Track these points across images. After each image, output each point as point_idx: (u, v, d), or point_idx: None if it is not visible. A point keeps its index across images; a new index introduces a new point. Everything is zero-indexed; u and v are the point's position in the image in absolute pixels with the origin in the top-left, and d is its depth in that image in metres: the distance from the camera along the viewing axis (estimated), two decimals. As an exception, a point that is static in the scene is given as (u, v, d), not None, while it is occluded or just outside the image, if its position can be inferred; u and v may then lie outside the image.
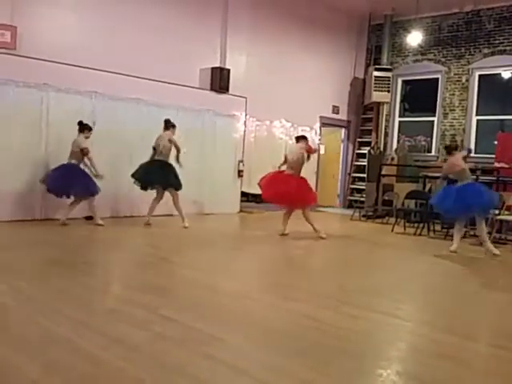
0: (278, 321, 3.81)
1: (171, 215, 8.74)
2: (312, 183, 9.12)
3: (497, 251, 6.96)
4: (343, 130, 13.46)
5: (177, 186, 8.10)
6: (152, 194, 8.20)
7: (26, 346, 3.00)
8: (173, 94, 9.32)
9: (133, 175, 8.01)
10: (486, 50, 11.62)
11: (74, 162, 7.61)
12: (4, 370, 2.67)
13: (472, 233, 8.35)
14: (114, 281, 4.99)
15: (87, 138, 7.71)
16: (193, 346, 3.12)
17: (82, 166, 7.71)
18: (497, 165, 10.28)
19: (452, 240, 7.46)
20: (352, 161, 13.51)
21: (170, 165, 8.10)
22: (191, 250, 6.77)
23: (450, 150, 7.42)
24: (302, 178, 7.83)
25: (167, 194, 8.17)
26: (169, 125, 8.16)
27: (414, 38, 11.85)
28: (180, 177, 8.12)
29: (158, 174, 7.98)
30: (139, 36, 8.98)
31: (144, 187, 8.06)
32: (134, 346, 3.06)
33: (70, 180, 7.50)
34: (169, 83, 9.19)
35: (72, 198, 7.72)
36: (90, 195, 7.71)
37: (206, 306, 4.05)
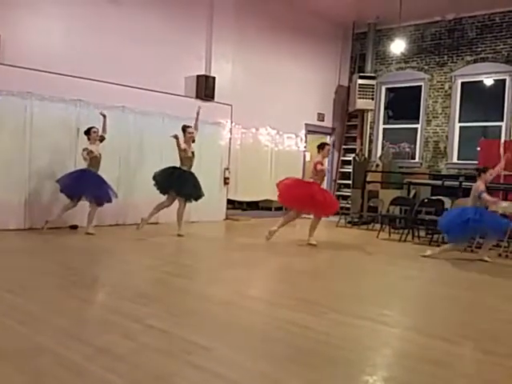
0: (265, 328, 3.81)
1: (157, 223, 8.71)
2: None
3: (487, 258, 7.10)
4: (328, 137, 13.53)
5: (189, 196, 8.08)
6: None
7: (11, 357, 2.97)
8: (158, 101, 9.31)
9: (154, 177, 7.97)
10: (468, 58, 11.79)
11: (91, 168, 7.69)
12: (-12, 382, 2.64)
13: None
14: (103, 290, 4.95)
15: (92, 142, 7.72)
16: (180, 356, 3.10)
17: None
18: (480, 171, 10.39)
19: (437, 246, 7.57)
20: (337, 168, 13.58)
21: (189, 173, 8.07)
22: (180, 258, 6.75)
23: (479, 172, 7.20)
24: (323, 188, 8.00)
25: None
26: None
27: (398, 46, 11.98)
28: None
29: (175, 181, 7.92)
30: (124, 44, 8.96)
31: (163, 192, 7.98)
32: (119, 356, 3.04)
33: (84, 184, 7.57)
34: (154, 91, 9.18)
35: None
36: (98, 204, 7.79)
37: (193, 314, 4.04)
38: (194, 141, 8.14)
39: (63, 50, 8.28)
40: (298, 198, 7.71)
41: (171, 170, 8.00)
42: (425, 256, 7.23)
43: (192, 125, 8.20)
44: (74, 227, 8.12)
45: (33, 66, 7.74)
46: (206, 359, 3.08)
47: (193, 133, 8.09)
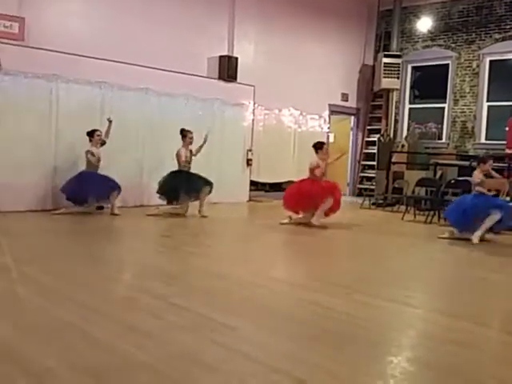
0: (289, 308, 3.83)
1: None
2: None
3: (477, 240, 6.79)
4: (352, 118, 13.39)
5: (199, 189, 8.10)
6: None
7: (39, 334, 3.04)
8: (181, 83, 9.31)
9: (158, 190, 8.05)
10: (496, 36, 11.48)
11: (89, 169, 7.74)
12: (17, 357, 2.71)
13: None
14: (127, 269, 5.03)
15: (94, 144, 7.76)
16: (205, 334, 3.14)
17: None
18: (508, 151, 10.20)
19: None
20: (362, 148, 13.45)
21: (188, 172, 8.10)
22: (203, 239, 6.81)
23: (478, 162, 7.25)
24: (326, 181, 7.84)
25: None
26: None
27: (424, 24, 11.75)
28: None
29: (179, 184, 7.93)
30: (148, 25, 8.97)
31: (172, 200, 8.04)
32: (146, 333, 3.09)
33: (85, 185, 7.58)
34: (177, 72, 9.18)
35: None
36: (115, 192, 7.86)
37: (217, 294, 4.08)
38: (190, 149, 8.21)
39: (87, 32, 8.33)
40: (296, 200, 7.69)
41: (171, 175, 8.01)
42: (441, 238, 7.15)
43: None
44: (100, 208, 8.23)
45: (57, 48, 7.79)
46: (230, 338, 3.12)
47: (193, 138, 8.11)
